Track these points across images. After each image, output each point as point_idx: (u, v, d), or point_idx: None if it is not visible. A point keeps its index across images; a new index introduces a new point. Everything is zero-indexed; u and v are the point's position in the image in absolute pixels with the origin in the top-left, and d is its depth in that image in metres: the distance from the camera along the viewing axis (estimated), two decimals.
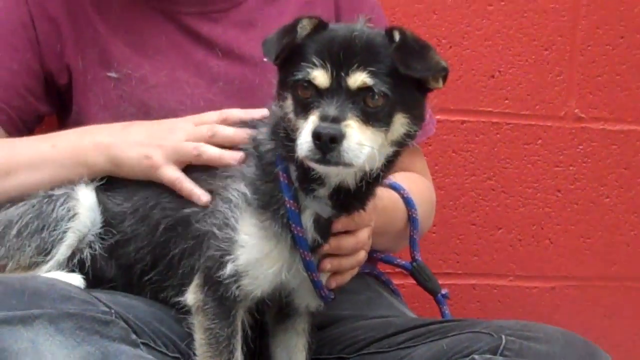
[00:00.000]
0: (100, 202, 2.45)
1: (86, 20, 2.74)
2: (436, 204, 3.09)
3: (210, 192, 2.38)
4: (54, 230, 2.37)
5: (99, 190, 2.47)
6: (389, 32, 2.18)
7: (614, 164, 3.76)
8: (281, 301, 2.40)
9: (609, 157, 3.76)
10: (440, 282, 2.88)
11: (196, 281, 2.33)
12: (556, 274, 3.76)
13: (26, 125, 2.76)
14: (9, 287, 2.11)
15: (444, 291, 2.83)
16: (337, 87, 2.11)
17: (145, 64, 2.73)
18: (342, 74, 2.11)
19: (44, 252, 2.36)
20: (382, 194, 2.48)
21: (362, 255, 2.46)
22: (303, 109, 2.15)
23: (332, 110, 2.09)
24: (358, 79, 2.11)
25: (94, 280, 2.40)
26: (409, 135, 2.21)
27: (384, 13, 3.02)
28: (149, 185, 2.44)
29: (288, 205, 2.25)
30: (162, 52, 2.74)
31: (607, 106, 3.74)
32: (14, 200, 2.48)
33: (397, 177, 2.71)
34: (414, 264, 2.82)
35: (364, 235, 2.43)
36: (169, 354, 2.33)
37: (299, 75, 2.15)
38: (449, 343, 2.37)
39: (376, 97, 2.11)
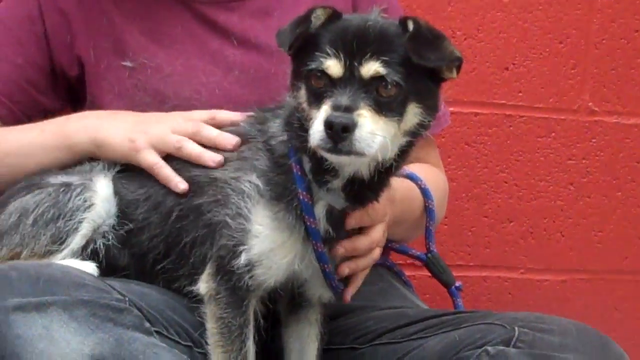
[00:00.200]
0: (116, 191, 2.45)
1: (99, 10, 2.74)
2: (448, 195, 3.09)
3: (215, 180, 2.38)
4: (70, 219, 2.37)
5: (116, 179, 2.47)
6: (403, 22, 2.18)
7: (627, 158, 3.76)
8: (294, 291, 2.41)
9: (622, 151, 3.75)
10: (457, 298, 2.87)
11: (208, 270, 2.33)
12: (567, 267, 3.76)
13: (31, 120, 2.76)
14: (24, 273, 2.12)
15: (457, 283, 2.83)
16: (350, 77, 2.11)
17: (161, 52, 2.73)
18: (355, 63, 2.11)
19: (59, 241, 2.37)
20: (398, 184, 2.48)
21: (377, 253, 2.46)
22: (316, 99, 2.15)
23: (344, 99, 2.09)
24: (371, 68, 2.11)
25: (107, 269, 2.40)
26: (422, 126, 2.21)
27: (400, 5, 3.02)
28: None
29: (301, 197, 2.26)
30: (178, 41, 2.74)
31: (620, 100, 3.73)
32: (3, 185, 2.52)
33: (412, 168, 2.71)
34: (429, 255, 2.82)
35: (378, 233, 2.43)
36: (182, 342, 2.33)
37: (312, 65, 2.15)
38: (462, 334, 2.37)
39: (389, 86, 2.11)
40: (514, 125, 3.65)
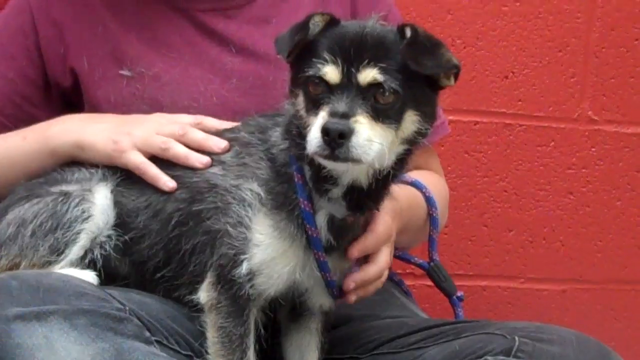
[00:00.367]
0: (115, 201, 2.45)
1: (95, 19, 2.74)
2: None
3: (216, 186, 2.37)
4: (68, 230, 2.37)
5: (116, 188, 2.47)
6: (401, 29, 2.18)
7: (627, 167, 3.76)
8: (294, 300, 2.40)
9: (622, 160, 3.75)
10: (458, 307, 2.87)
11: (209, 279, 2.32)
12: (567, 276, 3.76)
13: None
14: (24, 283, 2.11)
15: (459, 293, 2.82)
16: (348, 83, 2.11)
17: (159, 61, 2.73)
18: (353, 70, 2.11)
19: (57, 251, 2.36)
20: (403, 193, 2.49)
21: (385, 275, 2.47)
22: (314, 106, 2.15)
23: (341, 106, 2.09)
24: (369, 75, 2.11)
25: (107, 278, 2.39)
26: (420, 133, 2.20)
27: (399, 12, 3.02)
28: None
29: (302, 206, 2.25)
30: (176, 49, 2.74)
31: (620, 108, 3.73)
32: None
33: (414, 175, 2.71)
34: (432, 263, 2.81)
35: (385, 256, 2.43)
36: (182, 351, 2.32)
37: (310, 72, 2.15)
38: (462, 344, 2.37)
39: (387, 93, 2.11)
40: (513, 134, 3.65)
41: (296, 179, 2.26)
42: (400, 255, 2.82)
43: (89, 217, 2.39)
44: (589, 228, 3.75)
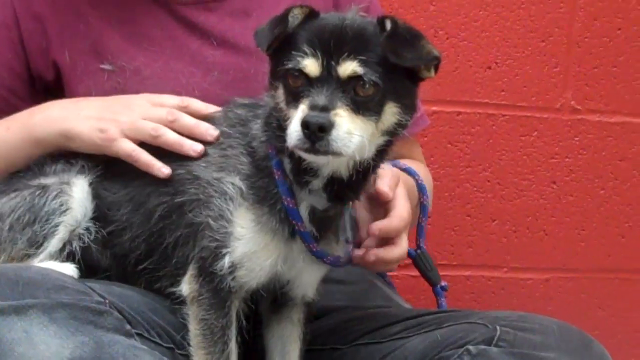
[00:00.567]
0: (95, 193, 2.44)
1: (76, 14, 2.73)
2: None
3: (198, 178, 2.37)
4: (46, 223, 2.36)
5: (96, 181, 2.46)
6: (381, 21, 2.18)
7: (610, 156, 3.77)
8: (276, 292, 2.40)
9: (605, 149, 3.76)
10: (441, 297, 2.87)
11: (191, 272, 2.32)
12: (551, 265, 3.77)
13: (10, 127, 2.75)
14: (3, 276, 2.10)
15: (443, 283, 2.82)
16: (328, 76, 2.11)
17: (140, 55, 2.72)
18: (333, 62, 2.11)
19: (36, 244, 2.36)
20: (404, 179, 2.52)
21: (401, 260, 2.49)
22: (294, 99, 2.14)
23: (321, 99, 2.08)
24: (348, 67, 2.10)
25: (88, 271, 2.39)
26: (400, 125, 2.20)
27: (381, 3, 3.02)
28: (145, 172, 2.42)
29: (286, 203, 2.25)
30: (157, 42, 2.73)
31: (603, 98, 3.74)
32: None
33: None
34: (418, 251, 2.80)
35: (406, 242, 2.45)
36: (163, 344, 2.32)
37: (290, 65, 2.14)
38: (444, 334, 2.38)
39: (367, 86, 2.11)
40: (496, 124, 3.66)
41: (276, 176, 2.26)
42: None
43: (66, 209, 2.38)
44: (572, 217, 3.76)
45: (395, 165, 2.58)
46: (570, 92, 3.71)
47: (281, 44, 2.19)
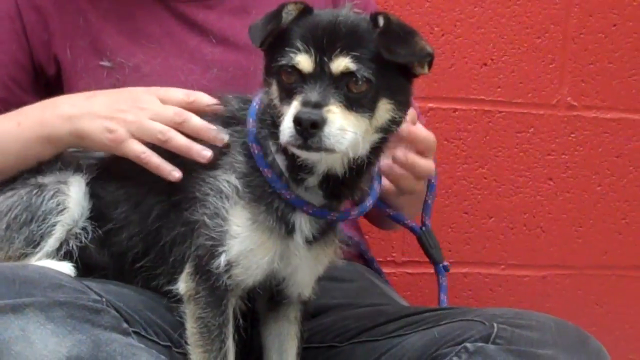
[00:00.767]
0: (92, 192, 2.44)
1: (75, 9, 2.73)
2: None
3: (193, 176, 2.36)
4: (43, 223, 2.36)
5: (93, 180, 2.45)
6: (374, 18, 2.17)
7: (606, 152, 3.77)
8: (272, 289, 2.40)
9: (601, 145, 3.76)
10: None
11: (187, 270, 2.32)
12: (548, 262, 3.77)
13: None
14: (0, 275, 2.10)
15: (445, 262, 2.81)
16: (321, 72, 2.11)
17: (139, 52, 2.72)
18: (325, 58, 2.10)
19: (33, 244, 2.35)
20: None
21: (433, 164, 2.53)
22: (287, 95, 2.14)
23: (314, 95, 2.08)
24: (341, 63, 2.10)
25: (85, 269, 2.39)
26: (394, 122, 2.20)
27: (377, 0, 3.01)
28: (144, 170, 2.41)
29: (288, 197, 2.25)
30: (156, 39, 2.73)
31: (599, 94, 3.74)
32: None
33: None
34: (423, 228, 2.81)
35: (432, 162, 2.50)
36: (160, 342, 2.32)
37: (283, 61, 2.14)
38: (441, 331, 2.37)
39: (360, 82, 2.10)
40: (492, 121, 3.66)
41: (269, 175, 2.26)
42: (393, 215, 2.78)
43: (64, 209, 2.38)
44: (569, 214, 3.76)
45: None
46: (566, 89, 3.71)
47: (275, 40, 2.18)
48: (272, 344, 2.48)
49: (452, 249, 3.67)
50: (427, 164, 2.50)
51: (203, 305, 2.28)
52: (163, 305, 2.37)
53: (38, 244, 2.35)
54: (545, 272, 3.77)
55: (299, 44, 2.12)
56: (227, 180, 2.29)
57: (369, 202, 2.39)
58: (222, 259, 2.25)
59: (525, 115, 3.68)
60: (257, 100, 2.33)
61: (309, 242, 2.32)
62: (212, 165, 2.34)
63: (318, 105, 2.06)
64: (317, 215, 2.29)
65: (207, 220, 2.28)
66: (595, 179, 3.78)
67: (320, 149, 2.07)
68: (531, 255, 3.75)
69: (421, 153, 2.48)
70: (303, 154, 2.15)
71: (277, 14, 2.18)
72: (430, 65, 2.20)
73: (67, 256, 2.38)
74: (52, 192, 2.39)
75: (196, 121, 2.38)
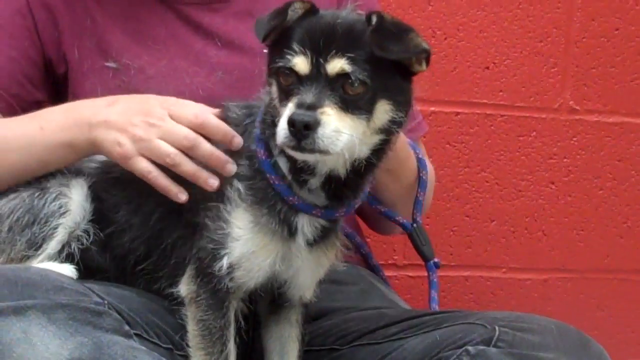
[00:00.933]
0: (94, 195, 2.44)
1: (83, 10, 2.74)
2: None
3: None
4: (45, 225, 2.36)
5: (95, 183, 2.45)
6: (368, 17, 2.16)
7: (608, 156, 3.76)
8: (274, 292, 2.40)
9: (603, 149, 3.76)
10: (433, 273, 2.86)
11: (189, 272, 2.32)
12: (549, 266, 3.77)
13: (25, 112, 2.73)
14: (2, 277, 2.11)
15: (436, 259, 2.82)
16: (317, 74, 2.11)
17: (144, 53, 2.72)
18: (321, 60, 2.10)
19: (35, 246, 2.35)
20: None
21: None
22: (285, 96, 2.14)
23: (309, 97, 2.08)
24: (337, 65, 2.10)
25: (87, 272, 2.39)
26: (394, 122, 2.19)
27: (380, 4, 3.01)
28: None
29: (296, 202, 2.25)
30: (162, 41, 2.74)
31: (601, 98, 3.74)
32: (3, 183, 2.47)
33: None
34: (414, 224, 2.81)
35: None
36: (162, 345, 2.32)
37: (281, 63, 2.14)
38: (442, 334, 2.37)
39: (355, 84, 2.10)
40: (494, 125, 3.66)
41: (276, 181, 2.26)
42: (385, 211, 2.80)
43: (65, 212, 2.38)
44: (570, 217, 3.76)
45: None
46: (568, 93, 3.71)
47: (278, 40, 2.19)
48: (273, 347, 2.48)
49: (453, 252, 3.67)
50: None
51: (204, 307, 2.28)
52: (164, 308, 2.38)
53: (40, 246, 2.35)
54: (547, 276, 3.77)
55: (295, 46, 2.13)
56: (230, 183, 2.29)
57: (357, 201, 2.38)
58: (224, 262, 2.25)
59: (527, 119, 3.68)
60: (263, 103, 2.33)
61: (310, 244, 2.32)
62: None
63: (312, 107, 2.07)
64: (327, 217, 2.29)
65: (209, 223, 2.28)
66: (597, 182, 3.78)
67: (313, 150, 2.07)
68: (533, 259, 3.74)
69: None
70: (297, 155, 2.15)
71: (283, 10, 2.18)
72: (428, 61, 2.19)
73: (69, 259, 2.38)
74: (54, 195, 2.39)
75: (205, 148, 2.34)
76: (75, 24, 2.73)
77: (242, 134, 2.35)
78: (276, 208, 2.27)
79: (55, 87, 2.80)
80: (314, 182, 2.25)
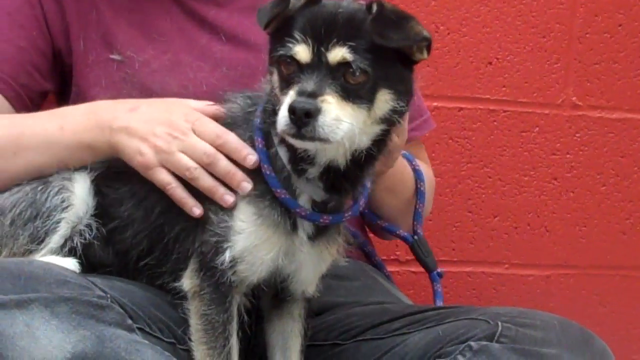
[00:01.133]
0: (97, 190, 2.44)
1: (90, 2, 2.74)
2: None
3: None
4: (47, 219, 2.36)
5: (98, 177, 2.45)
6: (369, 6, 2.16)
7: (611, 152, 3.76)
8: (277, 286, 2.40)
9: (606, 145, 3.76)
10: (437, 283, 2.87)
11: (192, 266, 2.33)
12: (552, 262, 3.77)
13: (33, 102, 2.74)
14: (5, 271, 2.11)
15: (439, 269, 2.83)
16: (318, 63, 2.11)
17: (149, 47, 2.73)
18: (323, 49, 2.11)
19: (37, 240, 2.35)
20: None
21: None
22: (286, 85, 2.15)
23: (310, 85, 2.09)
24: (338, 54, 2.10)
25: (89, 267, 2.39)
26: (395, 111, 2.19)
27: None
28: None
29: (282, 195, 2.25)
30: (167, 35, 2.74)
31: (604, 94, 3.74)
32: (20, 181, 2.46)
33: None
34: (415, 237, 2.82)
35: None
36: (165, 339, 2.32)
37: (282, 51, 2.15)
38: (445, 330, 2.37)
39: (357, 73, 2.10)
40: (497, 120, 3.65)
41: (267, 171, 2.26)
42: (385, 226, 2.83)
43: (68, 206, 2.38)
44: (573, 213, 3.76)
45: None
46: (571, 88, 3.71)
47: (280, 29, 2.19)
48: (275, 341, 2.48)
49: (456, 248, 3.67)
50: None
51: (207, 301, 2.28)
52: (167, 302, 2.38)
53: (42, 240, 2.35)
54: (549, 272, 3.77)
55: (297, 35, 2.13)
56: None
57: (361, 201, 2.39)
58: (227, 255, 2.25)
59: (530, 114, 3.68)
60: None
61: (311, 239, 2.32)
62: None
63: (313, 95, 2.07)
64: (311, 220, 2.29)
65: (212, 216, 2.28)
66: (599, 178, 3.78)
67: (314, 138, 2.08)
68: (535, 255, 3.74)
69: None
70: (297, 143, 2.15)
71: None
72: (428, 49, 2.18)
73: (71, 253, 2.38)
74: (56, 189, 2.39)
75: (223, 165, 2.34)
76: (82, 16, 2.73)
77: (243, 123, 2.36)
78: (278, 200, 2.27)
79: (63, 78, 2.79)
80: (313, 171, 2.24)
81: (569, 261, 3.77)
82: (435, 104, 3.56)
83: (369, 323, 2.52)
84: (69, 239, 2.39)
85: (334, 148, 2.17)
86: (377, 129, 2.20)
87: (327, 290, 2.49)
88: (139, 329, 2.22)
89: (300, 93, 2.08)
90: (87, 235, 2.40)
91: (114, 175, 2.46)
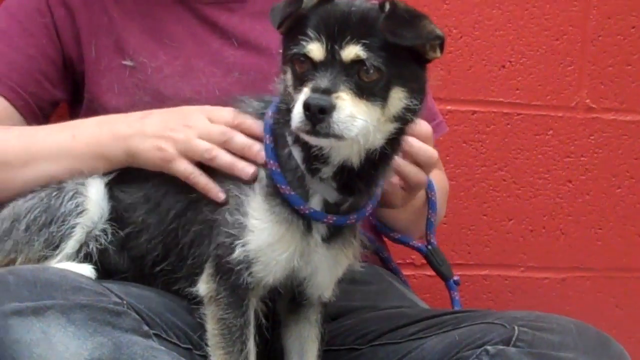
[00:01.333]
0: (112, 195, 2.44)
1: (101, 8, 2.75)
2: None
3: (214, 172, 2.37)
4: (62, 224, 2.36)
5: (113, 183, 2.45)
6: (382, 5, 2.16)
7: (625, 155, 3.75)
8: (293, 290, 2.39)
9: (620, 148, 3.75)
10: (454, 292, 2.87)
11: (208, 270, 2.32)
12: (567, 264, 3.76)
13: (42, 111, 2.75)
14: (21, 278, 2.11)
15: (455, 277, 2.83)
16: (332, 60, 2.11)
17: (161, 52, 2.73)
18: (336, 47, 2.11)
19: (52, 246, 2.36)
20: None
21: (426, 177, 2.53)
22: (300, 83, 2.14)
23: (324, 82, 2.08)
24: (352, 51, 2.10)
25: (106, 272, 2.39)
26: (409, 110, 2.19)
27: None
28: (162, 173, 2.42)
29: (286, 192, 2.25)
30: (179, 41, 2.74)
31: (618, 96, 3.73)
32: (32, 189, 2.47)
33: None
34: (429, 246, 2.82)
35: (436, 154, 2.49)
36: (181, 345, 2.32)
37: (295, 49, 2.15)
38: (461, 334, 2.37)
39: (370, 70, 2.10)
40: (511, 123, 3.65)
41: (270, 166, 2.27)
42: (399, 237, 2.83)
43: (83, 211, 2.38)
44: (588, 216, 3.75)
45: None
46: (584, 91, 3.70)
47: (293, 27, 2.19)
48: (292, 346, 2.48)
49: (471, 251, 3.67)
50: (418, 173, 2.49)
51: (224, 306, 2.28)
52: (183, 308, 2.38)
53: (57, 246, 2.36)
54: (565, 275, 3.76)
55: (310, 33, 2.13)
56: None
57: (368, 207, 2.38)
58: (238, 252, 2.24)
59: (544, 117, 3.67)
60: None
61: (325, 240, 2.31)
62: None
63: (327, 92, 2.07)
64: (315, 219, 2.29)
65: (228, 217, 2.28)
66: (614, 181, 3.77)
67: (328, 135, 2.07)
68: (551, 258, 3.73)
69: (418, 166, 2.48)
70: (312, 140, 2.15)
71: None
72: (442, 48, 2.18)
73: (87, 258, 2.39)
74: (71, 194, 2.39)
75: (239, 139, 2.37)
76: (93, 22, 2.74)
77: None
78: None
79: (75, 86, 2.80)
80: (327, 170, 2.24)
81: (584, 264, 3.76)
82: (448, 107, 3.55)
83: (386, 327, 2.52)
84: (84, 244, 2.39)
85: (348, 146, 2.17)
86: (391, 127, 2.20)
87: (343, 295, 2.48)
88: (156, 335, 2.22)
89: (315, 90, 2.08)
90: (103, 241, 2.41)
91: (128, 180, 2.47)
